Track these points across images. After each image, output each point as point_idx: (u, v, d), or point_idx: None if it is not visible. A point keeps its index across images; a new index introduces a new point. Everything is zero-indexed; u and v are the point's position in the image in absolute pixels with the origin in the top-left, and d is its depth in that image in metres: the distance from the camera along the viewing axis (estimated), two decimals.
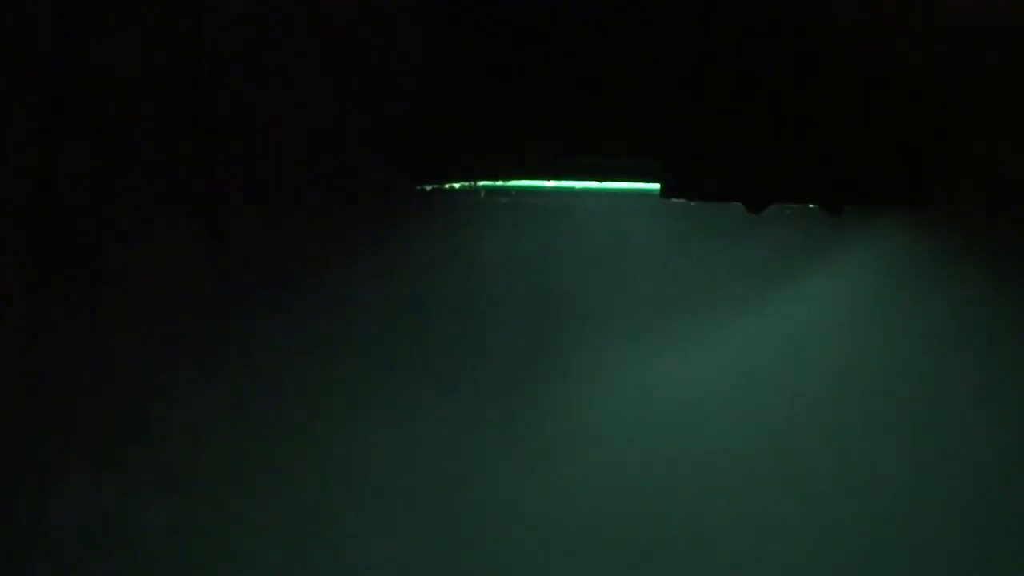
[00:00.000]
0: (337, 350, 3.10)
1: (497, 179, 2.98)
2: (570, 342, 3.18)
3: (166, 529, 3.02)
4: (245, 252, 3.07)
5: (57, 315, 3.01)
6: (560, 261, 3.18)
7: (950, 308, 3.16)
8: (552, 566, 3.12)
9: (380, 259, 3.11)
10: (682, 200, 2.97)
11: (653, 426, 3.17)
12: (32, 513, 2.99)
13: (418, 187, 3.03)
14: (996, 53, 3.06)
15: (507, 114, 2.93)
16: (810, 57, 2.90)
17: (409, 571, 3.10)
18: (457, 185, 3.02)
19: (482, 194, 3.06)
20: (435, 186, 3.02)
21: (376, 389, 3.11)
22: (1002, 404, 3.15)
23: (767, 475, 3.18)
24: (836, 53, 2.88)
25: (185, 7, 3.03)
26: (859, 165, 2.96)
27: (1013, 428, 3.14)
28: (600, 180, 3.00)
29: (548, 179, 2.99)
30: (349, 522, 3.09)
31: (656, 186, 2.96)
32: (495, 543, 3.11)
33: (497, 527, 3.12)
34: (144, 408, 3.03)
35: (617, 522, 3.13)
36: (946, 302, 3.16)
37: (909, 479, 3.16)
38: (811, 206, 3.01)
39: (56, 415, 3.01)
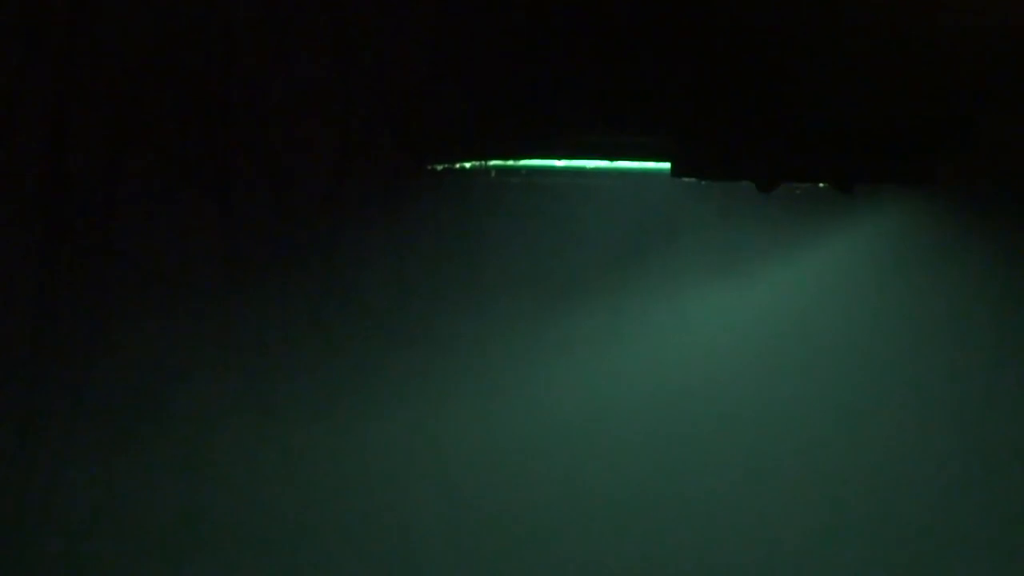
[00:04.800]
0: (347, 331, 3.09)
1: (508, 158, 2.98)
2: (581, 322, 3.18)
3: (177, 512, 3.02)
4: (255, 233, 3.06)
5: (67, 296, 3.00)
6: (571, 242, 3.17)
7: (961, 289, 3.15)
8: (567, 536, 3.12)
9: (390, 240, 3.10)
10: (693, 179, 2.97)
11: (663, 406, 3.17)
12: (42, 496, 2.98)
13: (428, 167, 3.02)
14: (1011, 33, 3.05)
15: (518, 93, 2.92)
16: (823, 36, 2.90)
17: (421, 551, 3.09)
18: (468, 165, 3.02)
19: (493, 174, 3.05)
20: (446, 166, 3.02)
21: (387, 370, 3.10)
22: (1012, 386, 3.15)
23: (773, 455, 3.17)
24: (848, 33, 2.87)
25: None
26: (870, 145, 2.95)
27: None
28: (611, 159, 2.99)
29: (559, 158, 2.98)
30: (360, 503, 3.08)
31: (667, 165, 2.96)
32: (506, 518, 3.10)
33: (508, 503, 3.11)
34: (153, 389, 3.02)
35: (621, 496, 3.13)
36: (957, 283, 3.15)
37: (916, 460, 3.15)
38: (821, 185, 3.01)
39: (65, 396, 3.00)
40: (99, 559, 2.98)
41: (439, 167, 3.02)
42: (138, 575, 3.00)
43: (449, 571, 3.08)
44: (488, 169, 3.02)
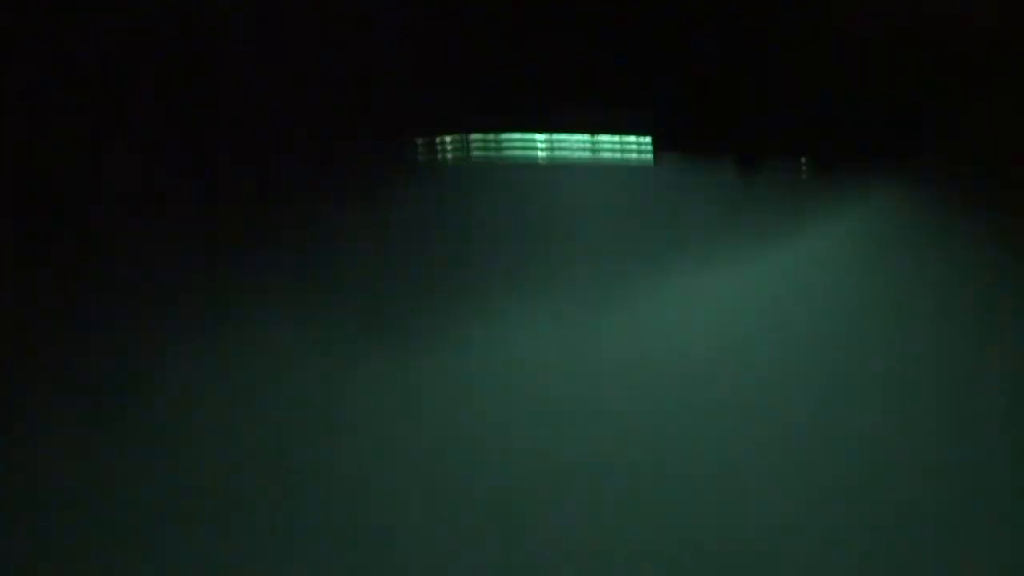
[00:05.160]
0: (328, 312, 3.05)
1: (488, 132, 2.97)
2: (562, 305, 3.15)
3: (155, 489, 2.95)
4: (237, 222, 3.02)
5: (48, 285, 2.96)
6: (552, 229, 3.14)
7: (945, 266, 3.16)
8: (553, 521, 3.07)
9: (371, 220, 3.07)
10: (674, 154, 2.97)
11: (647, 392, 3.14)
12: (22, 475, 2.92)
13: (410, 150, 3.01)
14: (993, 12, 3.08)
15: (499, 67, 2.92)
16: (806, 15, 2.92)
17: (406, 531, 3.04)
18: (448, 139, 3.00)
19: (473, 155, 3.04)
20: (427, 141, 3.00)
21: (367, 358, 3.06)
22: (998, 364, 3.14)
23: (755, 438, 3.15)
24: (832, 10, 2.90)
25: None
26: (853, 121, 2.97)
27: (1010, 384, 3.13)
28: (592, 133, 2.99)
29: (540, 132, 2.98)
30: (342, 491, 3.03)
31: (647, 139, 2.96)
32: (491, 510, 3.06)
33: (491, 491, 3.06)
34: (134, 368, 2.97)
35: (603, 480, 3.09)
36: (941, 268, 3.16)
37: (899, 441, 3.13)
38: (803, 161, 3.02)
39: (46, 377, 2.95)
40: (78, 544, 2.92)
41: (421, 143, 3.00)
42: (116, 560, 2.93)
43: (437, 558, 3.03)
44: (469, 144, 3.01)
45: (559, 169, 3.10)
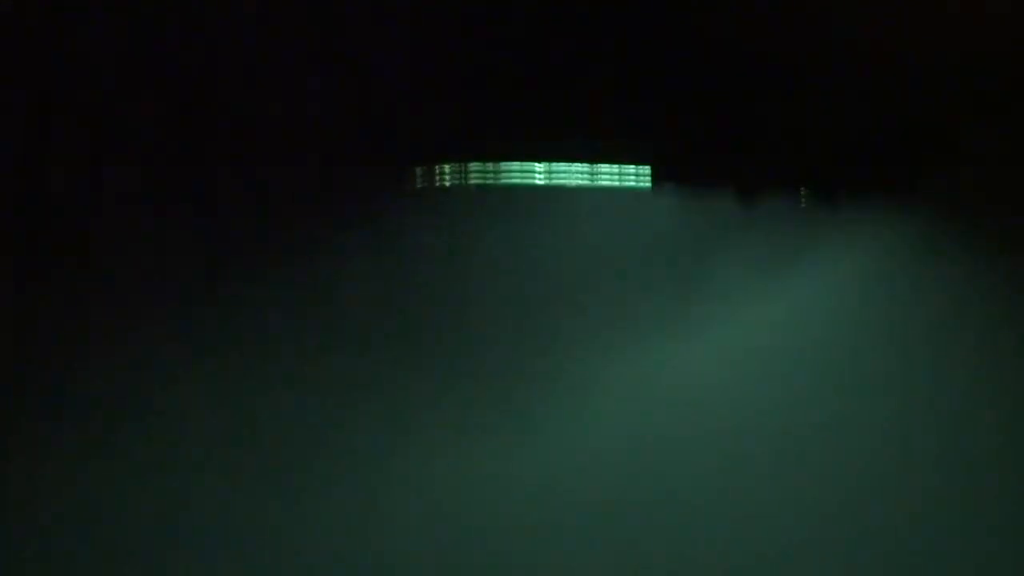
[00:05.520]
0: (327, 339, 3.05)
1: (488, 161, 2.97)
2: (564, 334, 3.15)
3: (155, 515, 2.95)
4: (236, 242, 3.03)
5: (45, 301, 2.96)
6: (552, 254, 3.14)
7: (947, 299, 3.15)
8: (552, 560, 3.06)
9: (370, 248, 3.07)
10: (673, 185, 2.97)
11: (649, 418, 3.13)
12: (21, 498, 2.91)
13: (409, 171, 3.01)
14: (995, 45, 3.08)
15: (498, 97, 2.93)
16: (807, 47, 2.92)
17: (402, 557, 3.02)
18: (447, 168, 3.01)
19: (473, 185, 3.05)
20: (426, 170, 3.01)
21: (366, 378, 3.06)
22: (999, 394, 3.13)
23: (766, 466, 3.14)
24: (833, 42, 2.90)
25: None
26: (854, 154, 2.96)
27: (1011, 414, 3.12)
28: (591, 163, 2.99)
29: (539, 161, 2.98)
30: (337, 507, 3.02)
31: (647, 169, 2.96)
32: (488, 535, 3.04)
33: (488, 516, 3.05)
34: (133, 394, 2.97)
35: (617, 513, 3.08)
36: (943, 293, 3.15)
37: (905, 464, 3.12)
38: (803, 194, 3.01)
39: (45, 402, 2.95)
40: (75, 559, 2.91)
41: (420, 172, 3.01)
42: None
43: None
44: (468, 175, 3.01)
45: (558, 196, 3.10)
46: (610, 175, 3.04)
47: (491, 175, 3.01)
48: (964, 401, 3.13)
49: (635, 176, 3.02)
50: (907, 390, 3.15)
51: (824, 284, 3.17)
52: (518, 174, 3.01)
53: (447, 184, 3.03)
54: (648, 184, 2.99)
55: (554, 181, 3.03)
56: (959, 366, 3.14)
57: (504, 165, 2.98)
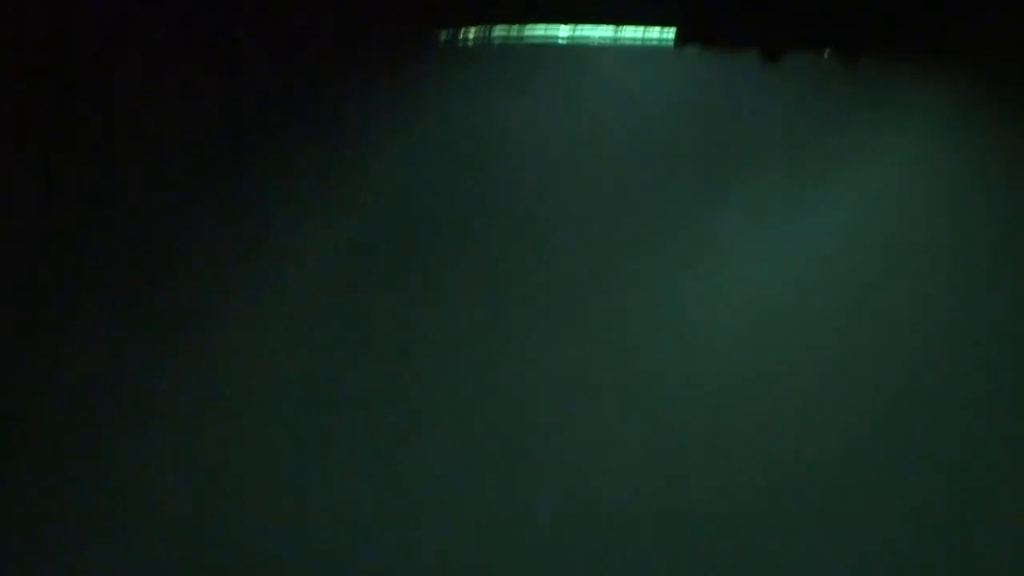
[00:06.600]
0: (351, 197, 3.07)
1: (512, 25, 2.98)
2: (586, 201, 3.13)
3: (175, 372, 3.00)
4: (260, 103, 3.06)
5: (70, 159, 3.01)
6: (575, 117, 3.13)
7: (969, 162, 3.09)
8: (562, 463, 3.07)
9: (395, 109, 3.08)
10: (697, 47, 2.97)
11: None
12: (46, 357, 2.97)
13: (434, 37, 3.03)
14: None
15: None
16: None
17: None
18: (472, 33, 3.02)
19: (496, 44, 3.04)
20: (450, 34, 3.02)
21: (392, 239, 3.08)
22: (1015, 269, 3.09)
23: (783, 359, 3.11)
24: None
25: None
26: (877, 11, 2.95)
27: None
28: (615, 25, 3.00)
29: (563, 24, 2.99)
30: (356, 373, 3.04)
31: (671, 32, 2.97)
32: (497, 425, 3.06)
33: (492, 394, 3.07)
34: (158, 251, 3.02)
35: (623, 402, 3.08)
36: (965, 156, 3.09)
37: (912, 338, 3.08)
38: (826, 55, 2.99)
39: (71, 258, 3.01)
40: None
41: (444, 36, 3.02)
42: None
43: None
44: (492, 38, 3.03)
45: (580, 60, 3.09)
46: (634, 37, 3.05)
47: (515, 36, 3.03)
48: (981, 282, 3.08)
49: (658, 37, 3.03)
50: (933, 256, 3.09)
51: (848, 152, 3.12)
52: (542, 36, 3.03)
53: (470, 46, 3.05)
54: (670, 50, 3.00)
55: (578, 43, 3.04)
56: (981, 232, 3.09)
57: (529, 27, 3.00)
